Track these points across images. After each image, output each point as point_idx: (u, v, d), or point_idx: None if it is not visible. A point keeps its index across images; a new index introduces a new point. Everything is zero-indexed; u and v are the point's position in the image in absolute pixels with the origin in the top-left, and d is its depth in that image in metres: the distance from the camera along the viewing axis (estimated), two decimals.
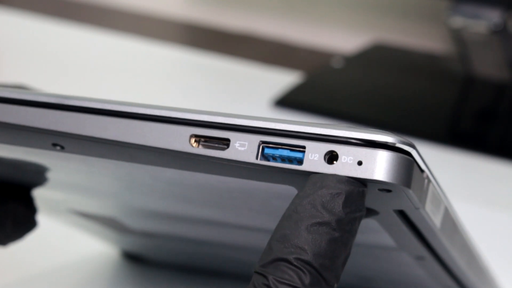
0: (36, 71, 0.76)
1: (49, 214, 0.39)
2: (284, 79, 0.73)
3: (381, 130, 0.23)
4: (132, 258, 0.46)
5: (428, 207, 0.25)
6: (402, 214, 0.25)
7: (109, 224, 0.38)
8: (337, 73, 0.74)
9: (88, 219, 0.38)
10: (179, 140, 0.23)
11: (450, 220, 0.28)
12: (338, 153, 0.23)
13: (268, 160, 0.23)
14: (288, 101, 0.68)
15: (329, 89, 0.72)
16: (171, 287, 0.43)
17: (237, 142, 0.23)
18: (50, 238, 0.46)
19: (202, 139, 0.23)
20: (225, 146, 0.23)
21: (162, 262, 0.45)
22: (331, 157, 0.23)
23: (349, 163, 0.22)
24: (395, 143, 0.22)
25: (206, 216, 0.32)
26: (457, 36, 0.68)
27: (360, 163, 0.22)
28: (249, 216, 0.30)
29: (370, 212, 0.25)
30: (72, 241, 0.46)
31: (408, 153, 0.23)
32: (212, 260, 0.42)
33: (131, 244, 0.43)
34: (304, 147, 0.23)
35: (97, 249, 0.46)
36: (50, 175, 0.30)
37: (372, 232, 0.28)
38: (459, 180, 0.58)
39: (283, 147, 0.23)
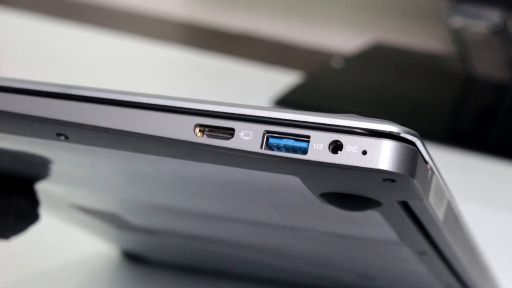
0: (36, 71, 0.76)
1: (49, 211, 0.39)
2: (284, 79, 0.73)
3: (385, 120, 0.23)
4: (132, 258, 0.45)
5: (432, 198, 0.25)
6: (405, 206, 0.25)
7: (110, 220, 0.38)
8: (337, 73, 0.74)
9: (89, 215, 0.38)
10: (184, 129, 0.23)
11: (452, 214, 0.28)
12: (343, 142, 0.23)
13: (273, 150, 0.23)
14: (288, 101, 0.68)
15: (329, 89, 0.72)
16: (171, 287, 0.43)
17: (242, 131, 0.23)
18: (50, 238, 0.45)
19: (207, 129, 0.23)
20: (230, 136, 0.23)
21: (162, 261, 0.45)
22: (336, 147, 0.23)
23: (353, 152, 0.22)
24: (399, 133, 0.22)
25: (209, 210, 0.32)
26: (457, 36, 0.68)
27: (364, 152, 0.22)
28: (252, 208, 0.30)
29: (374, 204, 0.25)
30: (73, 241, 0.46)
31: (412, 143, 0.23)
32: (212, 258, 0.42)
33: (132, 242, 0.43)
34: (308, 136, 0.23)
35: (97, 249, 0.46)
36: (53, 167, 0.30)
37: (374, 225, 0.27)
38: (459, 180, 0.57)
39: (288, 136, 0.23)
